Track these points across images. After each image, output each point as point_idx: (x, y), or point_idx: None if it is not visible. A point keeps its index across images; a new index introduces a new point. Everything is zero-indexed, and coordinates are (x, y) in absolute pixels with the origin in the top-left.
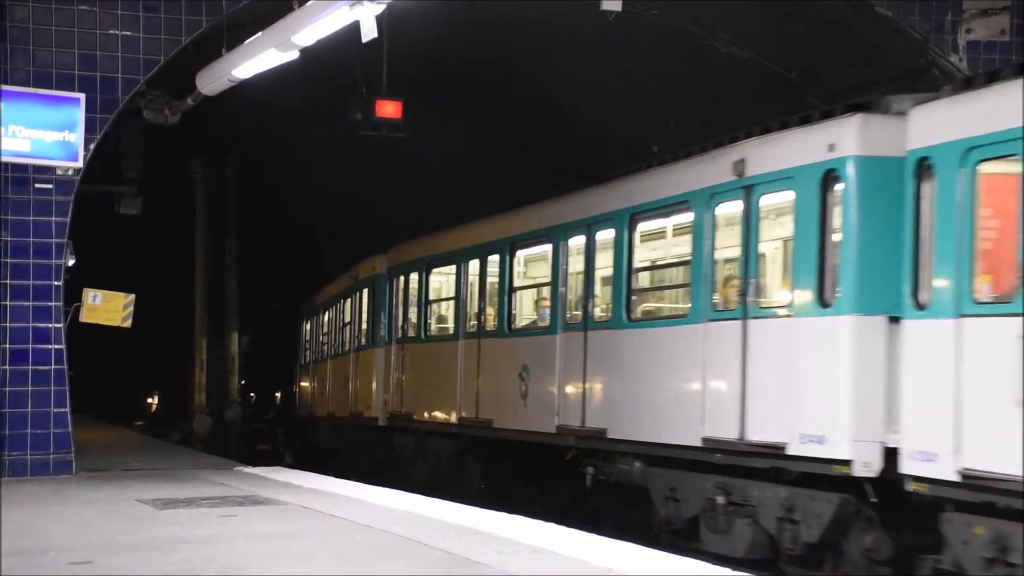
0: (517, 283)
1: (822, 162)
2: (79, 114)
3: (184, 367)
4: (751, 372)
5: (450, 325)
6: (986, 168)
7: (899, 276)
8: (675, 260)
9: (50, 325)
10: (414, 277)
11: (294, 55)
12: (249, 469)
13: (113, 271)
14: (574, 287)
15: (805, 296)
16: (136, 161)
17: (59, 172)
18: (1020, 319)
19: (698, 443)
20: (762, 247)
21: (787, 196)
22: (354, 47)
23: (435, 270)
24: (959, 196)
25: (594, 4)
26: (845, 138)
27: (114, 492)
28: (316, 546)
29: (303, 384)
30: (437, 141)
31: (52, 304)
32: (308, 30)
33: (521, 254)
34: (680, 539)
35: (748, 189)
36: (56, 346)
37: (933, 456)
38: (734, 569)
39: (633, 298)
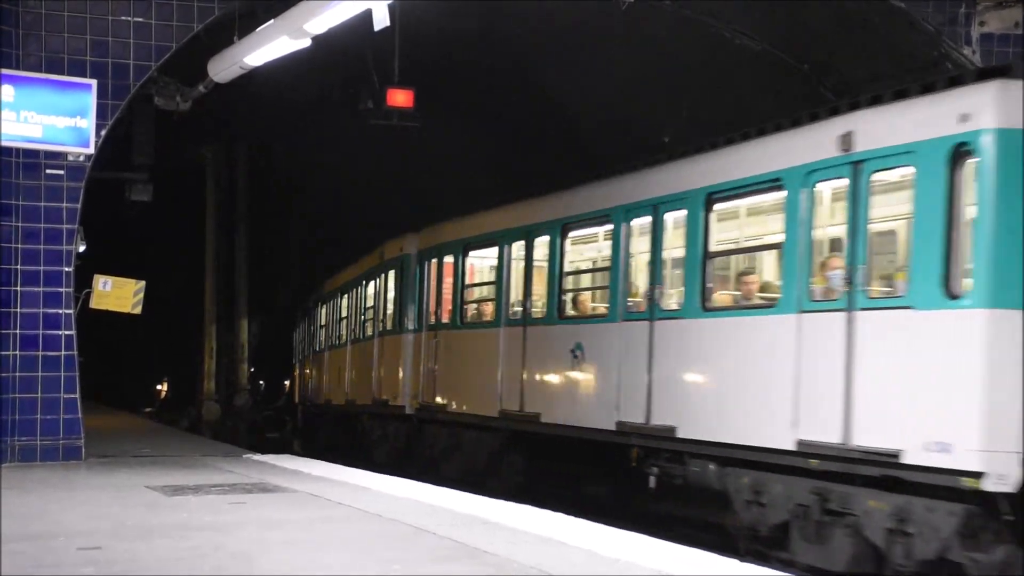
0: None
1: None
2: (91, 100)
3: (194, 354)
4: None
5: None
6: None
7: None
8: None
9: (60, 311)
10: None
11: (306, 43)
12: (258, 457)
13: (124, 258)
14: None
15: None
16: (147, 148)
17: (70, 158)
18: None
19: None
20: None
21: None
22: (366, 36)
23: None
24: None
25: None
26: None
27: (124, 478)
28: (325, 534)
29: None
30: (446, 130)
31: (62, 290)
32: (320, 18)
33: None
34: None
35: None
36: (66, 332)
37: None
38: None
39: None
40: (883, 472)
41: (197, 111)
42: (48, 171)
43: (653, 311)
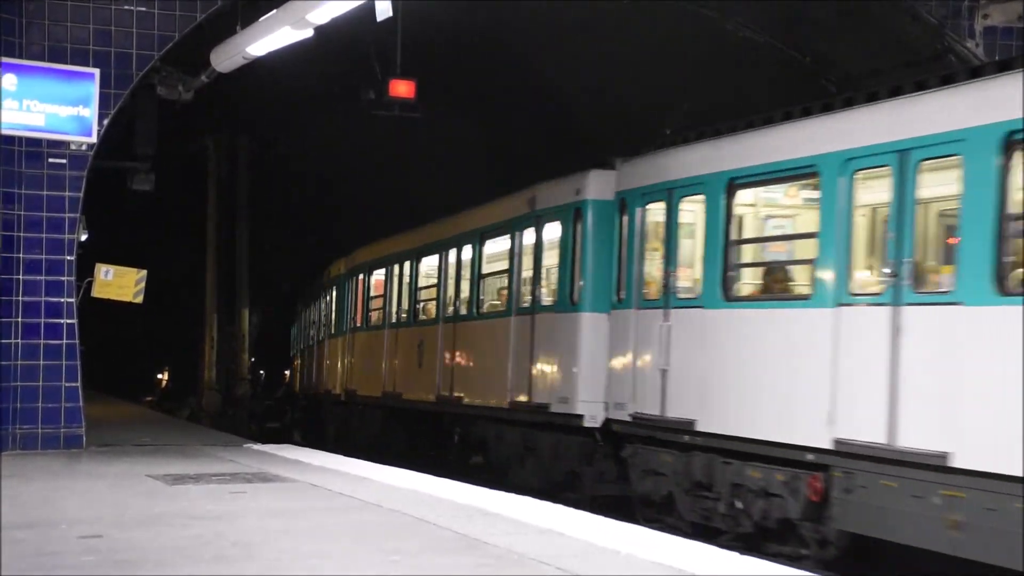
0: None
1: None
2: (93, 89)
3: (194, 344)
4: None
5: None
6: None
7: None
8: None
9: (62, 299)
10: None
11: (308, 33)
12: (258, 446)
13: (125, 247)
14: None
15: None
16: (149, 137)
17: (73, 147)
18: None
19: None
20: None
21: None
22: (368, 27)
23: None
24: None
25: None
26: None
27: (125, 467)
28: (325, 524)
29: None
30: (448, 121)
31: (64, 279)
32: (323, 8)
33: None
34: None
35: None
36: (68, 320)
37: None
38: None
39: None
40: (546, 418)
41: (199, 101)
42: (51, 160)
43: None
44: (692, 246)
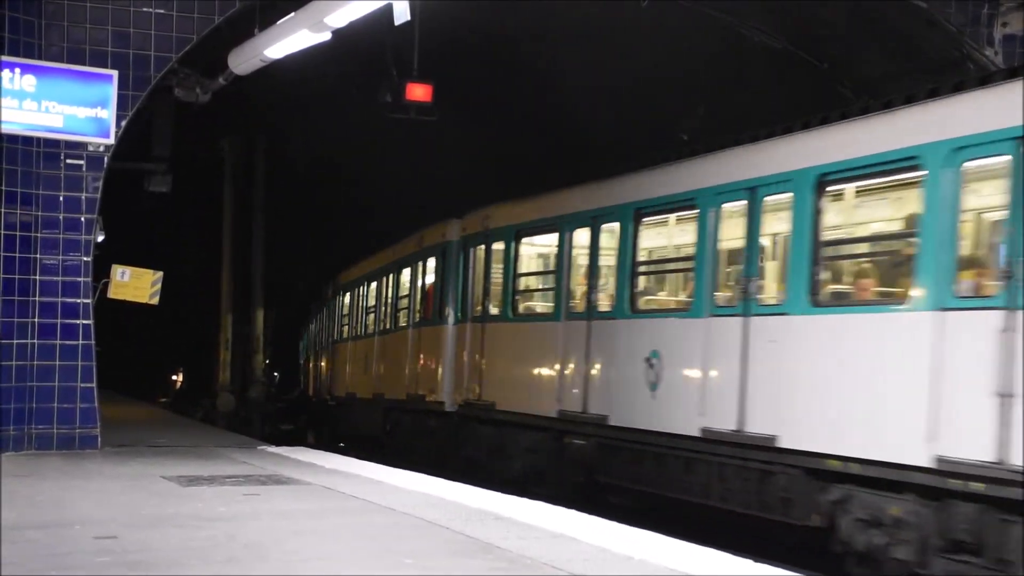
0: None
1: None
2: (112, 91)
3: (209, 345)
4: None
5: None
6: None
7: None
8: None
9: (79, 300)
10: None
11: (326, 36)
12: (272, 448)
13: (142, 248)
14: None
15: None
16: (166, 139)
17: (90, 148)
18: None
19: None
20: None
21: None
22: (386, 30)
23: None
24: None
25: None
26: None
27: (139, 468)
28: (338, 526)
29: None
30: (462, 125)
31: (81, 279)
32: (341, 11)
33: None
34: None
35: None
36: (84, 321)
37: None
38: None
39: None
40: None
41: (216, 102)
42: (68, 161)
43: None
44: (501, 277)
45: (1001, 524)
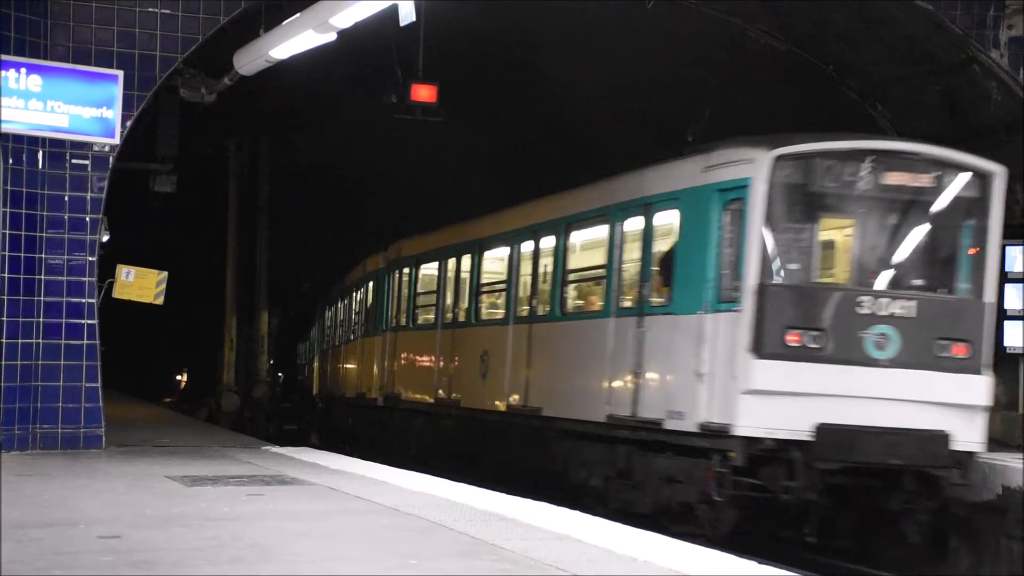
0: None
1: None
2: (117, 91)
3: (213, 345)
4: None
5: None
6: None
7: None
8: None
9: (83, 300)
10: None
11: (332, 37)
12: (276, 449)
13: (146, 248)
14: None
15: None
16: (171, 139)
17: (96, 148)
18: None
19: None
20: None
21: None
22: (391, 30)
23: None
24: None
25: None
26: None
27: (143, 468)
28: (343, 527)
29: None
30: (467, 126)
31: (86, 279)
32: (346, 12)
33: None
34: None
35: None
36: (89, 321)
37: None
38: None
39: None
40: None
41: (221, 103)
42: (73, 161)
43: None
44: (407, 295)
45: (641, 457)
